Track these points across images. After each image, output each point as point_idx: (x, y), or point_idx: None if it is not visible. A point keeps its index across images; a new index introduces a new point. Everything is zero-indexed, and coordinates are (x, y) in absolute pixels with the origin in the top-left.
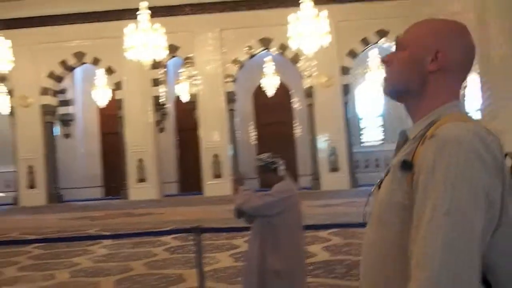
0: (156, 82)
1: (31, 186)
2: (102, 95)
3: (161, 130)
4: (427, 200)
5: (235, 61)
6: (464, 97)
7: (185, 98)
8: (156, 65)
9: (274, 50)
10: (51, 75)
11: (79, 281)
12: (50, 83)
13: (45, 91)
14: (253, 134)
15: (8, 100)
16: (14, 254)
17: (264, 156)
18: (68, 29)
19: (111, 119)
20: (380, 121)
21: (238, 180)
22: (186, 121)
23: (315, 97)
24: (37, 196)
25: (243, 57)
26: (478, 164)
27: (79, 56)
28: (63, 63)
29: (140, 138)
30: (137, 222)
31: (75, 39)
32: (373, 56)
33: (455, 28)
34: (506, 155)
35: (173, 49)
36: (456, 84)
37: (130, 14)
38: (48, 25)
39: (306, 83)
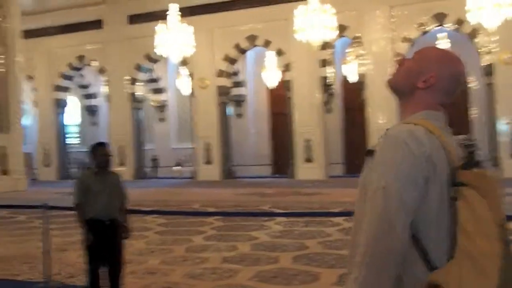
0: (324, 63)
1: (208, 162)
2: (272, 77)
3: (328, 110)
4: (372, 178)
5: (405, 39)
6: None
7: (352, 78)
8: (324, 45)
9: (449, 25)
10: (226, 58)
11: (259, 254)
12: (224, 66)
13: (220, 73)
14: None
15: (189, 82)
16: (199, 224)
17: (461, 138)
18: (242, 13)
19: (280, 99)
20: None
21: None
22: (353, 101)
23: (495, 75)
24: (213, 172)
25: (414, 34)
26: (406, 154)
27: (251, 39)
28: (237, 46)
29: (308, 119)
30: (306, 201)
31: (248, 23)
32: None
33: (451, 60)
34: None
35: (341, 29)
36: (435, 100)
37: None
38: (224, 11)
39: (485, 60)
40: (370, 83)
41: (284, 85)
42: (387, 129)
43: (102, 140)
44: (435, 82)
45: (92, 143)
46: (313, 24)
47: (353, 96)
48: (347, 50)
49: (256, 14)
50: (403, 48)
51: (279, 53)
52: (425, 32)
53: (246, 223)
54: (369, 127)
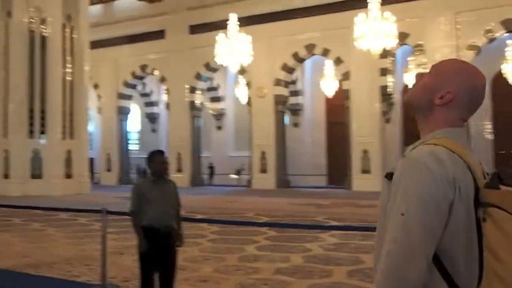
0: (383, 72)
1: (263, 170)
2: (329, 86)
3: (387, 120)
4: (393, 205)
5: (471, 47)
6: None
7: None
8: (384, 54)
9: None
10: (284, 67)
11: (312, 267)
12: (282, 75)
13: (278, 82)
14: (488, 125)
15: (246, 91)
16: (253, 233)
17: None
18: (301, 22)
19: (337, 109)
20: None
21: None
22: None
23: None
24: (268, 180)
25: (480, 41)
26: (428, 178)
27: (310, 48)
28: (295, 55)
29: (366, 129)
30: (363, 214)
31: (307, 32)
32: None
33: (470, 73)
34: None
35: (402, 36)
36: (455, 117)
37: (359, 3)
38: (283, 20)
39: None
40: None
41: (343, 94)
42: (405, 151)
43: (160, 148)
44: (453, 98)
45: (150, 151)
46: (374, 32)
47: None
48: (408, 59)
49: (315, 22)
50: (468, 56)
51: (338, 61)
52: (492, 39)
53: (300, 234)
54: None
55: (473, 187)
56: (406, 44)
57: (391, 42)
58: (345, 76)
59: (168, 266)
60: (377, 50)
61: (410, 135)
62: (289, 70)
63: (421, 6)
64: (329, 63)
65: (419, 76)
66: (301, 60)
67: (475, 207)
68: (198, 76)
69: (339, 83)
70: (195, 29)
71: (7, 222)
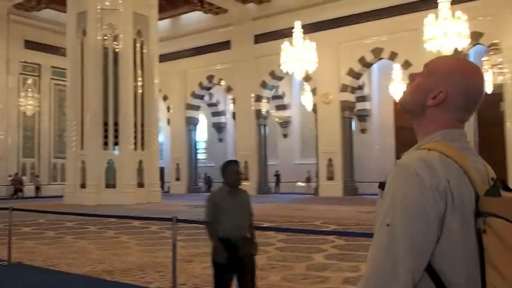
0: None
1: (330, 177)
2: (398, 90)
3: None
4: (380, 213)
5: None
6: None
7: (488, 89)
8: (456, 55)
9: None
10: (350, 72)
11: None
12: (348, 80)
13: (344, 88)
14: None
15: (311, 98)
16: (320, 242)
17: None
18: (366, 26)
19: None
20: None
21: None
22: (488, 115)
23: None
24: (335, 188)
25: None
26: (416, 186)
27: (377, 52)
28: (361, 60)
29: None
30: None
31: (373, 36)
32: None
33: (464, 71)
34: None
35: (475, 36)
36: (451, 118)
37: (428, 4)
38: (348, 25)
39: None
40: (509, 93)
41: None
42: (399, 158)
43: (228, 157)
44: (446, 97)
45: (224, 161)
46: (445, 32)
47: (488, 109)
48: (482, 59)
49: (381, 26)
50: None
51: (406, 65)
52: None
53: (368, 243)
54: (509, 143)
55: (473, 195)
56: (479, 44)
57: (463, 42)
58: None
59: (248, 275)
60: (448, 51)
61: (485, 140)
62: (356, 75)
63: (494, 3)
64: (397, 67)
65: (412, 77)
66: (368, 65)
67: (475, 217)
68: (264, 85)
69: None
70: (260, 38)
71: (83, 230)
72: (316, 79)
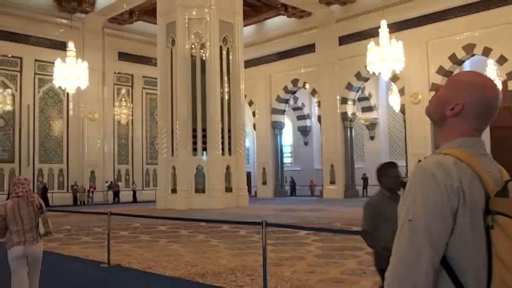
0: None
1: None
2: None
3: None
4: (402, 210)
5: None
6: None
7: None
8: None
9: None
10: (440, 70)
11: None
12: (439, 79)
13: (434, 87)
14: None
15: (399, 98)
16: None
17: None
18: (455, 22)
19: (501, 111)
20: None
21: None
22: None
23: None
24: None
25: None
26: (432, 186)
27: (469, 48)
28: (452, 57)
29: None
30: None
31: (464, 31)
32: None
33: (480, 85)
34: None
35: None
36: (468, 127)
37: None
38: (436, 21)
39: None
40: None
41: (507, 95)
42: (418, 160)
43: (314, 160)
44: (462, 108)
45: (380, 164)
46: None
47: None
48: None
49: (473, 20)
50: None
51: (501, 60)
52: None
53: None
54: None
55: (483, 195)
56: None
57: None
58: (510, 76)
59: None
60: None
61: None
62: (446, 73)
63: None
64: (491, 63)
65: (437, 89)
66: (459, 62)
67: (485, 214)
68: (349, 87)
69: (502, 84)
70: (344, 39)
71: (175, 234)
72: (404, 79)
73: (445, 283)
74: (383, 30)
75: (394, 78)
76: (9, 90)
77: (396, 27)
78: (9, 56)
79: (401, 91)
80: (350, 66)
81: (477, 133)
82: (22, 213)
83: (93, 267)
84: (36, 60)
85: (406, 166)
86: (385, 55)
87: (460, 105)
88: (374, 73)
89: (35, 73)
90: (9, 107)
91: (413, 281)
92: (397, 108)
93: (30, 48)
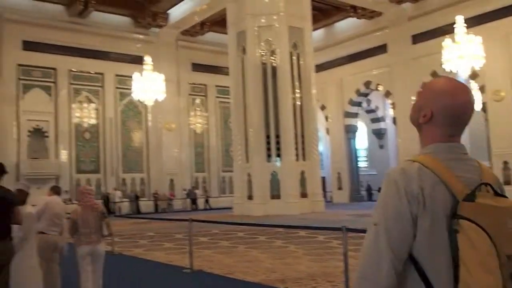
0: None
1: (507, 182)
2: None
3: None
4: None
5: None
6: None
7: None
8: None
9: None
10: None
11: None
12: None
13: None
14: None
15: (480, 96)
16: None
17: None
18: None
19: None
20: None
21: None
22: None
23: None
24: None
25: None
26: (393, 192)
27: None
28: None
29: None
30: None
31: None
32: None
33: (449, 91)
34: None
35: None
36: (440, 133)
37: None
38: None
39: None
40: None
41: None
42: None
43: (390, 164)
44: (431, 115)
45: None
46: None
47: None
48: None
49: None
50: None
51: None
52: None
53: None
54: None
55: (450, 200)
56: None
57: None
58: None
59: None
60: None
61: None
62: None
63: None
64: None
65: (417, 94)
66: None
67: (452, 218)
68: None
69: None
70: (418, 38)
71: (254, 240)
72: (484, 76)
73: (416, 282)
74: (460, 26)
75: (473, 75)
76: (93, 105)
77: (473, 22)
78: (92, 72)
79: (482, 89)
80: (425, 65)
81: (451, 139)
82: (89, 218)
83: (177, 273)
84: (116, 75)
85: (492, 166)
86: (463, 52)
87: (429, 113)
88: (451, 71)
89: (116, 87)
90: (93, 121)
91: (375, 282)
92: (478, 107)
93: (111, 64)
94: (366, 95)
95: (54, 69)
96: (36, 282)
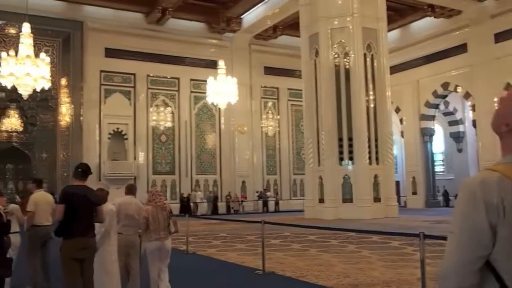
0: None
1: None
2: None
3: None
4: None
5: None
6: None
7: None
8: None
9: None
10: None
11: None
12: None
13: None
14: None
15: None
16: None
17: None
18: None
19: None
20: None
21: None
22: None
23: None
24: None
25: None
26: (471, 202)
27: None
28: None
29: None
30: None
31: None
32: None
33: None
34: None
35: None
36: None
37: None
38: None
39: None
40: None
41: None
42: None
43: (469, 169)
44: None
45: None
46: None
47: None
48: None
49: None
50: None
51: None
52: None
53: None
54: None
55: None
56: None
57: None
58: None
59: None
60: None
61: None
62: None
63: None
64: None
65: (498, 102)
66: None
67: None
68: (509, 87)
69: None
70: (501, 36)
71: (326, 244)
72: None
73: (492, 283)
74: None
75: None
76: (169, 108)
77: None
78: (169, 77)
79: None
80: (508, 65)
81: None
82: (159, 217)
83: (249, 274)
84: (191, 80)
85: None
86: None
87: None
88: None
89: (191, 91)
90: (169, 124)
91: (454, 285)
92: None
93: (186, 69)
94: (443, 97)
95: (133, 74)
96: (116, 277)
